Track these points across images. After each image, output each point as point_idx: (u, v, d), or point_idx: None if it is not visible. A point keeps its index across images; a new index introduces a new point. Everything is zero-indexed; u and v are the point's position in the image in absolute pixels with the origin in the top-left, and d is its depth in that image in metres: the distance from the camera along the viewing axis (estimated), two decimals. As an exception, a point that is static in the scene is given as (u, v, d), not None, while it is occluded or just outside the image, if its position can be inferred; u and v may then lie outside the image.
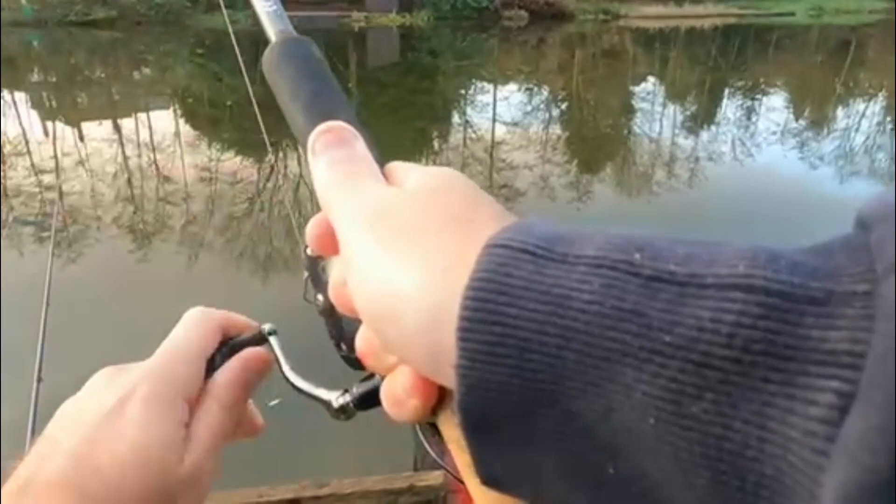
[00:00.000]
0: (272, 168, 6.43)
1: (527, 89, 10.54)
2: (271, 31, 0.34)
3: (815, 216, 5.16)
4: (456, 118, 8.91)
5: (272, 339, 0.41)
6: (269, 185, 5.95)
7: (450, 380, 0.20)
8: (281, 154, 6.95)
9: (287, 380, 0.39)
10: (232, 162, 6.51)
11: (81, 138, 7.29)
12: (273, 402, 3.14)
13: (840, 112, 9.44)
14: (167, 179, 5.97)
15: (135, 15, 16.53)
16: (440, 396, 0.24)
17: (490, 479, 0.22)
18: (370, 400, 0.33)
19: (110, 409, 0.33)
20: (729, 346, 0.15)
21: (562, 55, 12.64)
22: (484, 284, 0.19)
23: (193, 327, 0.39)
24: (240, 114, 8.44)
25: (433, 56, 11.93)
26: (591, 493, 0.19)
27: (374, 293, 0.22)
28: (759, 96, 10.20)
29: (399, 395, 0.24)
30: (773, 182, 6.26)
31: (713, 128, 8.48)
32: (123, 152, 6.72)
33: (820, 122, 8.81)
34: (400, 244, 0.22)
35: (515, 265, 0.18)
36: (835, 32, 17.53)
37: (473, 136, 7.69)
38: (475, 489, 0.24)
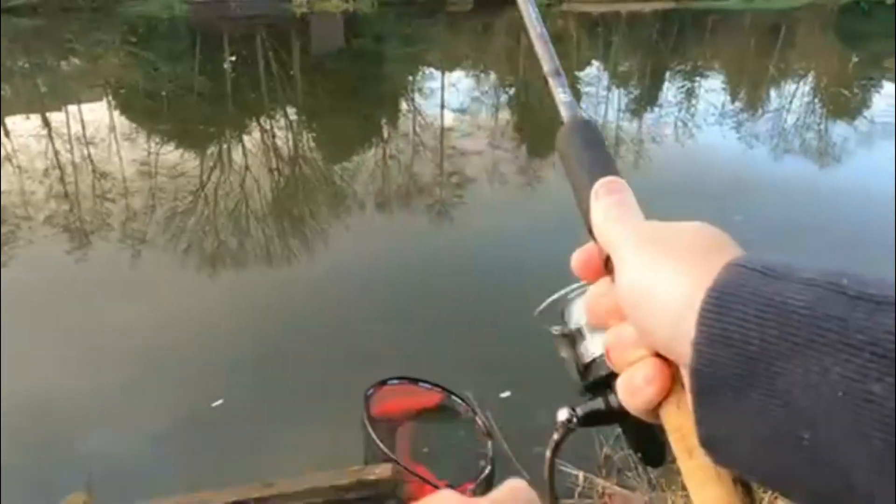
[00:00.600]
0: (216, 160, 6.23)
1: (474, 75, 10.53)
2: (565, 115, 0.44)
3: (752, 193, 5.39)
4: (404, 105, 8.83)
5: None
6: (214, 177, 5.76)
7: (685, 357, 0.28)
8: (225, 145, 6.73)
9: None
10: (173, 154, 6.26)
11: (7, 134, 6.87)
12: (216, 403, 3.06)
13: (773, 93, 9.85)
14: (104, 175, 5.70)
15: (59, 1, 15.58)
16: (669, 390, 0.31)
17: (708, 441, 0.29)
18: (593, 418, 0.42)
19: None
20: None
21: (507, 41, 12.68)
22: (721, 288, 0.27)
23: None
24: (178, 104, 8.12)
25: (378, 42, 11.75)
26: (789, 457, 0.25)
27: (645, 289, 0.31)
28: (697, 79, 10.52)
29: (638, 384, 0.32)
30: (714, 162, 6.49)
31: (656, 110, 8.70)
32: (54, 147, 6.37)
33: (755, 104, 9.17)
34: (669, 256, 0.31)
35: (747, 278, 0.26)
36: (766, 17, 18.23)
37: (422, 123, 7.65)
38: (693, 470, 0.31)
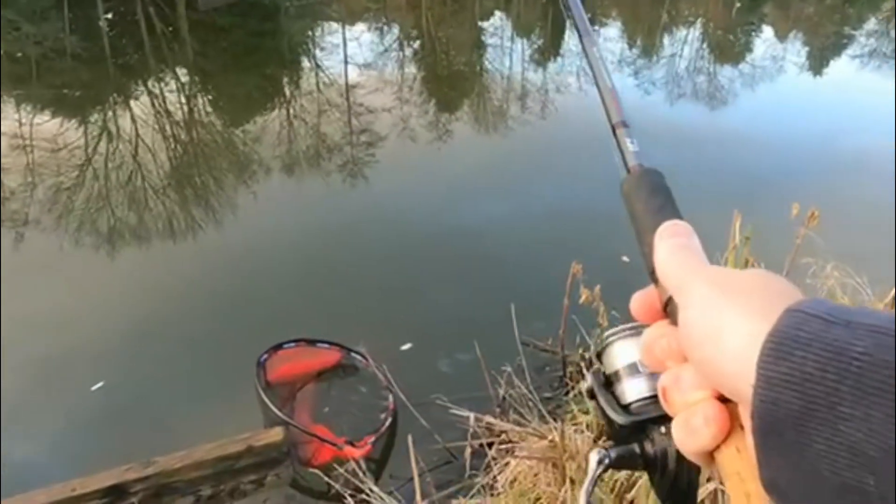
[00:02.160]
0: (102, 129, 5.72)
1: (376, 28, 10.21)
2: (632, 163, 0.46)
3: (651, 137, 5.64)
4: (306, 62, 8.45)
5: None
6: (101, 148, 5.30)
7: (746, 397, 0.28)
8: (110, 113, 6.19)
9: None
10: (50, 125, 5.69)
11: None
12: (96, 387, 2.92)
13: (666, 40, 10.25)
14: (-32, 151, 5.10)
15: None
16: (728, 433, 0.32)
17: (771, 485, 0.29)
18: (624, 462, 0.42)
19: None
20: None
21: (408, -9, 12.34)
22: (781, 333, 0.27)
23: None
24: (50, 68, 7.34)
25: (273, -5, 11.08)
26: (856, 502, 0.25)
27: (709, 330, 0.31)
28: (596, 27, 10.75)
29: (697, 425, 0.32)
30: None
31: (559, 60, 8.84)
32: None
33: (650, 51, 9.52)
34: (733, 300, 0.31)
35: (807, 323, 0.27)
36: (657, -36, 18.78)
37: (326, 80, 7.36)
38: None
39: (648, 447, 0.41)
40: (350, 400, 2.68)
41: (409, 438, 1.90)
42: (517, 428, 2.16)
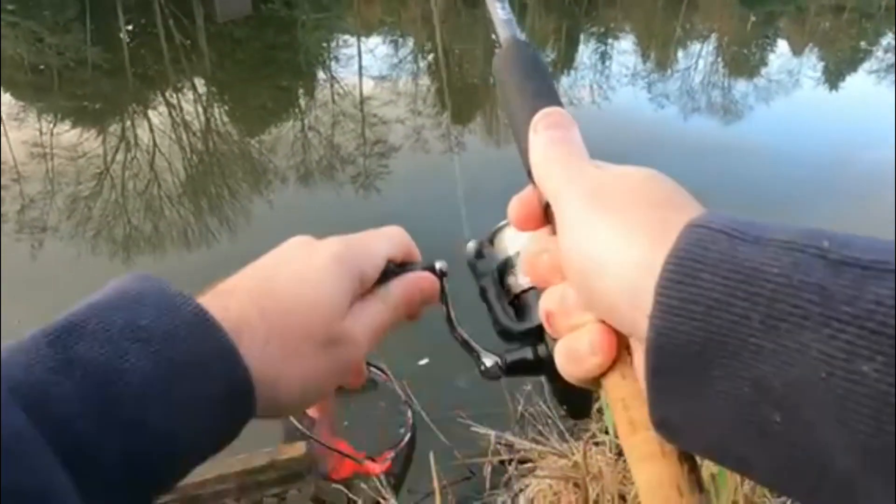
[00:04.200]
0: (120, 139, 5.81)
1: (391, 41, 10.31)
2: (503, 35, 0.39)
3: (664, 151, 5.63)
4: (321, 74, 8.53)
5: (444, 280, 0.43)
6: (119, 157, 5.38)
7: (640, 330, 0.24)
8: (129, 122, 6.28)
9: (450, 323, 0.42)
10: (70, 134, 5.78)
11: None
12: None
13: (680, 53, 10.25)
14: (-10, 159, 5.20)
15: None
16: (614, 359, 0.28)
17: (662, 424, 0.26)
18: (518, 368, 0.38)
19: (299, 252, 0.38)
20: None
21: (423, 4, 12.46)
22: (684, 253, 0.23)
23: (389, 236, 0.42)
24: (71, 79, 7.47)
25: (289, 8, 11.22)
26: (756, 441, 0.22)
27: (590, 251, 0.27)
28: (610, 41, 10.78)
29: (581, 351, 0.29)
30: (628, 122, 6.71)
31: (572, 73, 8.86)
32: (-72, 131, 5.72)
33: (664, 64, 9.52)
34: (618, 213, 0.27)
35: (713, 241, 0.23)
36: (671, -22, 18.84)
37: (341, 91, 7.43)
38: (636, 445, 0.28)
39: (542, 351, 0.37)
40: (369, 414, 2.68)
41: (431, 455, 1.90)
42: (536, 446, 2.15)
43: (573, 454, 1.92)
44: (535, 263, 0.32)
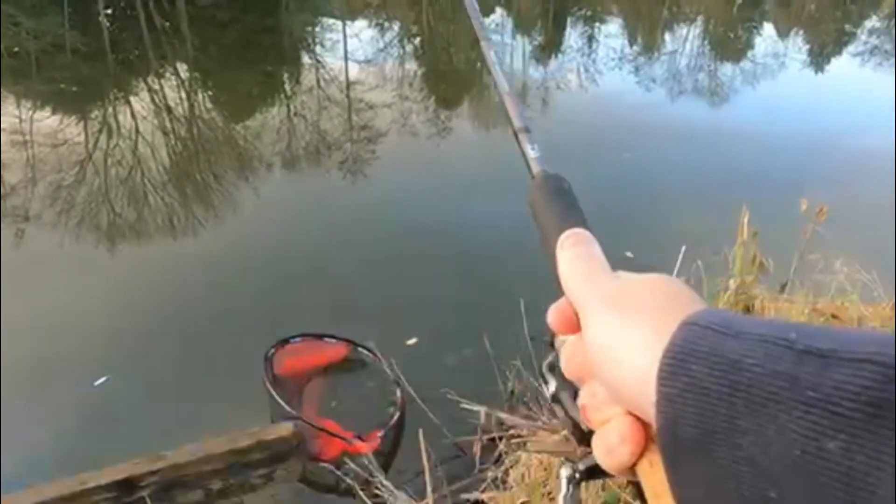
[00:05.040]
0: (102, 125, 5.71)
1: (377, 24, 10.18)
2: (535, 169, 0.45)
3: (652, 133, 5.64)
4: (306, 58, 8.42)
5: None
6: (101, 144, 5.29)
7: (652, 417, 0.27)
8: (110, 108, 6.17)
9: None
10: (50, 120, 5.67)
11: None
12: (99, 382, 2.91)
13: (667, 37, 10.23)
14: (-32, 147, 5.09)
15: None
16: (643, 448, 0.31)
17: (685, 502, 0.28)
18: (596, 472, 0.40)
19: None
20: (856, 401, 0.21)
21: (409, -13, 12.30)
22: (677, 349, 0.26)
23: None
24: (50, 64, 7.31)
25: (273, -9, 11.04)
26: None
27: (608, 350, 0.31)
28: (597, 24, 10.73)
29: (613, 443, 0.31)
30: (616, 105, 6.71)
31: (560, 56, 8.82)
32: None
33: (651, 47, 9.50)
34: (630, 316, 0.31)
35: (701, 337, 0.26)
36: (658, -40, 18.72)
37: (326, 76, 7.34)
38: None
39: None
40: (358, 394, 2.68)
41: (420, 433, 1.90)
42: (527, 422, 2.16)
43: (563, 429, 1.94)
44: (571, 364, 0.36)
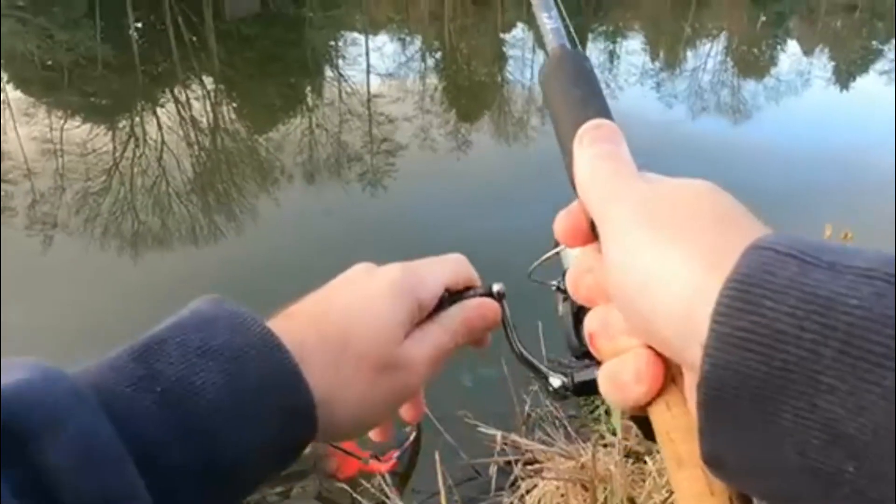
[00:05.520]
0: (129, 135, 5.84)
1: (399, 39, 10.31)
2: (551, 44, 0.37)
3: (673, 151, 5.61)
4: (328, 72, 8.55)
5: (504, 303, 0.42)
6: (128, 154, 5.41)
7: (693, 360, 0.22)
8: (137, 119, 6.32)
9: (513, 346, 0.41)
10: (80, 130, 5.82)
11: None
12: None
13: (689, 53, 10.20)
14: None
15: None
16: (661, 388, 0.26)
17: (714, 461, 0.23)
18: (588, 388, 0.35)
19: (359, 279, 0.39)
20: None
21: (432, 3, 12.46)
22: (745, 278, 0.20)
23: (449, 263, 0.42)
24: (81, 75, 7.51)
25: (297, 6, 11.25)
26: (826, 491, 0.20)
27: (637, 272, 0.25)
28: (619, 40, 10.74)
29: (625, 379, 0.27)
30: (636, 122, 6.68)
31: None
32: (-61, 126, 5.77)
33: (672, 64, 9.48)
34: (669, 232, 0.24)
35: (780, 266, 0.20)
36: (681, -23, 18.74)
37: (349, 90, 7.44)
38: (683, 482, 0.26)
39: None
40: (373, 413, 2.68)
41: (437, 455, 1.89)
42: (543, 447, 2.14)
43: (581, 455, 1.91)
44: (579, 282, 0.30)
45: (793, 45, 10.70)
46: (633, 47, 10.25)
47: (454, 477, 2.24)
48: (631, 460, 2.00)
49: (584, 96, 0.34)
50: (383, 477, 2.14)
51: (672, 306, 0.23)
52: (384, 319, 0.36)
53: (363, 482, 2.22)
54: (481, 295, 0.42)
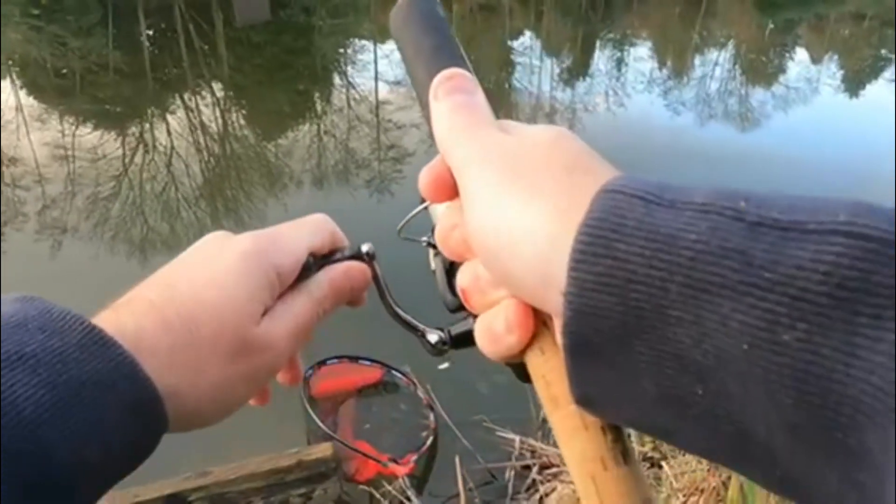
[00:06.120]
0: (139, 141, 5.90)
1: (407, 46, 10.35)
2: None
3: (680, 157, 5.60)
4: (337, 79, 8.60)
5: (375, 263, 0.41)
6: (138, 160, 5.46)
7: (556, 307, 0.23)
8: (147, 125, 6.38)
9: (388, 305, 0.40)
10: (91, 136, 5.88)
11: None
12: None
13: (697, 61, 10.19)
14: (13, 161, 5.30)
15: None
16: (533, 335, 0.27)
17: (584, 400, 0.25)
18: (466, 340, 0.35)
19: (208, 252, 0.36)
20: (825, 282, 0.17)
21: (439, 10, 12.52)
22: (598, 223, 0.21)
23: (310, 225, 0.39)
24: (93, 82, 7.60)
25: (307, 14, 11.34)
26: (680, 412, 0.21)
27: (496, 227, 0.25)
28: (627, 47, 10.75)
29: (498, 330, 0.27)
30: (644, 129, 6.68)
31: (588, 79, 8.85)
32: (-46, 132, 5.85)
33: (680, 71, 9.47)
34: (524, 184, 0.25)
35: (628, 208, 0.21)
36: (689, -15, 18.75)
37: (357, 97, 7.48)
38: (559, 421, 0.27)
39: None
40: (391, 417, 2.69)
41: (457, 459, 1.90)
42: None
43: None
44: (447, 238, 0.30)
45: (801, 53, 10.67)
46: (641, 54, 10.25)
47: (471, 480, 2.25)
48: (647, 465, 1.99)
49: (435, 45, 0.33)
50: (402, 479, 2.15)
51: (530, 257, 0.24)
52: (236, 298, 0.33)
53: (384, 484, 2.24)
54: (349, 257, 0.40)
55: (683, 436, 0.22)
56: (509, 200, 0.25)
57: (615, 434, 0.26)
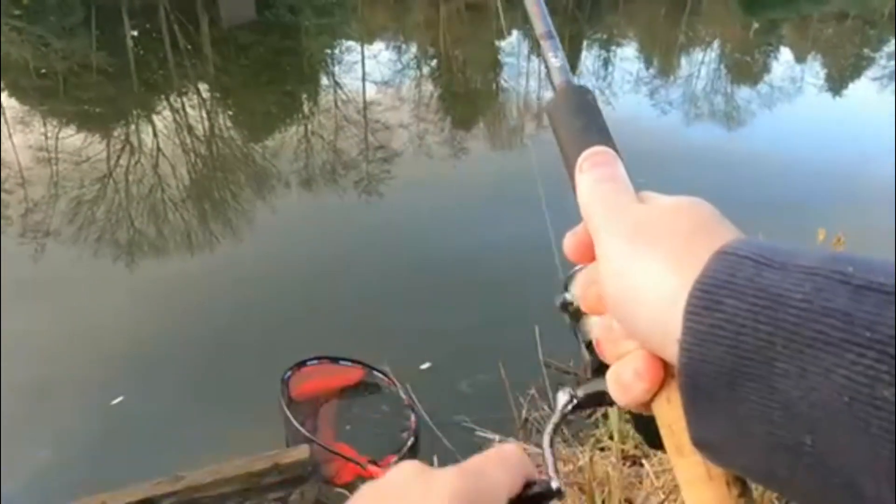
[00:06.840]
0: (124, 143, 5.83)
1: (394, 47, 10.34)
2: (557, 80, 0.41)
3: (666, 157, 5.63)
4: (324, 80, 8.56)
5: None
6: (123, 161, 5.40)
7: (674, 356, 0.25)
8: (132, 127, 6.31)
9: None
10: (75, 138, 5.81)
11: None
12: (115, 401, 2.93)
13: (683, 60, 10.26)
14: (-5, 163, 5.22)
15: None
16: (661, 384, 0.29)
17: (702, 444, 0.27)
18: (593, 399, 0.37)
19: (414, 490, 0.33)
20: None
21: (427, 10, 12.51)
22: (710, 279, 0.24)
23: (508, 462, 0.36)
24: (77, 83, 7.50)
25: (293, 14, 11.28)
26: (791, 462, 0.23)
27: (626, 283, 0.28)
28: (613, 47, 10.80)
29: (628, 379, 0.29)
30: (631, 128, 6.71)
31: (575, 79, 8.87)
32: (-66, 135, 5.75)
33: (667, 71, 9.53)
34: (650, 245, 0.28)
35: (739, 268, 0.23)
36: (674, -15, 18.87)
37: (344, 97, 7.45)
38: (684, 469, 0.29)
39: None
40: (372, 418, 2.67)
41: (435, 459, 1.89)
42: (540, 451, 2.14)
43: (578, 459, 1.92)
44: (586, 295, 0.33)
45: (785, 53, 10.78)
46: (628, 54, 10.31)
47: (451, 482, 2.23)
48: (628, 463, 2.00)
49: (584, 126, 0.37)
50: (381, 482, 2.13)
51: (652, 310, 0.27)
52: None
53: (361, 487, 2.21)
54: (541, 494, 0.37)
55: (797, 487, 0.23)
56: (635, 261, 0.28)
57: (741, 489, 0.28)
